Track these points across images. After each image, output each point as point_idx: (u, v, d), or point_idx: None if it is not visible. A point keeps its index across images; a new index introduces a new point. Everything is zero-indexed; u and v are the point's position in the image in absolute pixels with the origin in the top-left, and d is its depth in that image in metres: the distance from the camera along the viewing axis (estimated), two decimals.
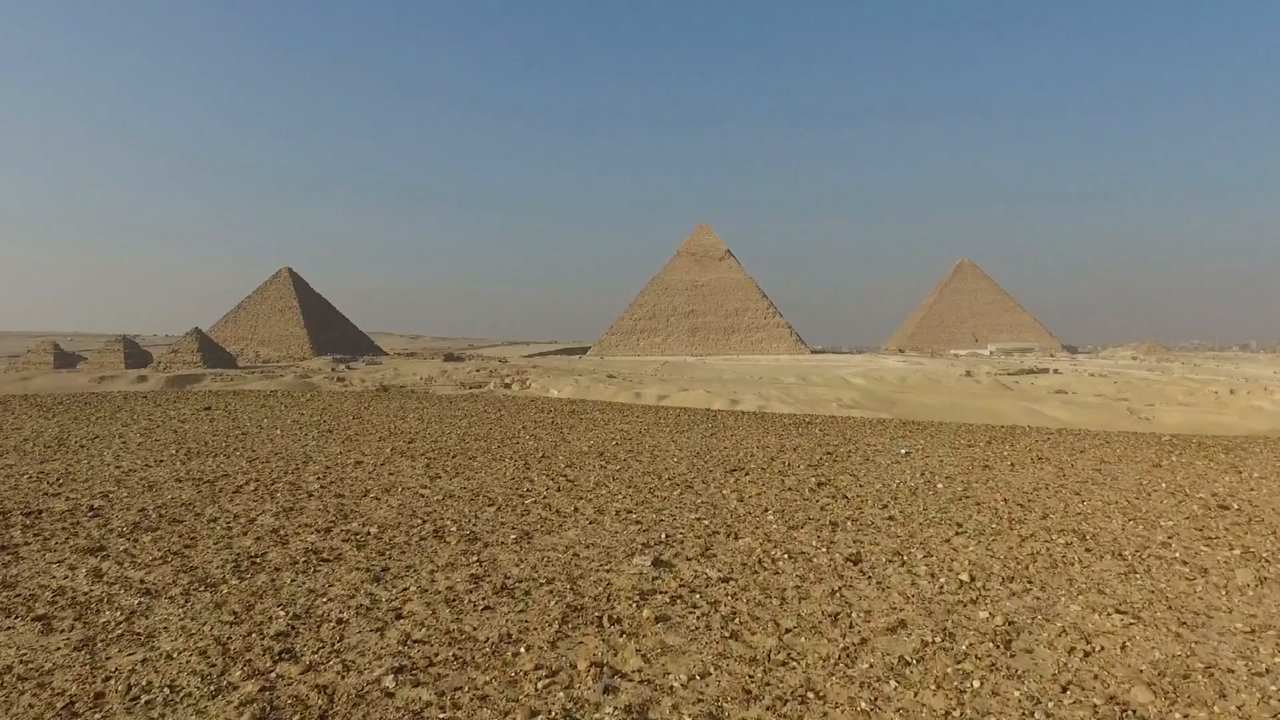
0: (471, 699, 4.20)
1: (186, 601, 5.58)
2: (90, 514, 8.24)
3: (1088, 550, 7.23)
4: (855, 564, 6.66)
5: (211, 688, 4.29)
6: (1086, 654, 4.89)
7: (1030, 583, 6.24)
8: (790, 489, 10.08)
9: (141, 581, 6.01)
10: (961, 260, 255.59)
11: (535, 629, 5.13)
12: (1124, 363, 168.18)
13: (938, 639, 5.05)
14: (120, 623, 5.20)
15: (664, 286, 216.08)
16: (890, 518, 8.41)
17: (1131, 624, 5.38)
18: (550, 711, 4.05)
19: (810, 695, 4.30)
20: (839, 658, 4.76)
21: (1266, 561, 6.97)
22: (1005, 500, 9.49)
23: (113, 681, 4.36)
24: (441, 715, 4.03)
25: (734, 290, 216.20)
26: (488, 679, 4.41)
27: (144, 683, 4.34)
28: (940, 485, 10.45)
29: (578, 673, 4.50)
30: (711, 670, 4.58)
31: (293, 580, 6.08)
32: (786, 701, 4.23)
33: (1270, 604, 5.87)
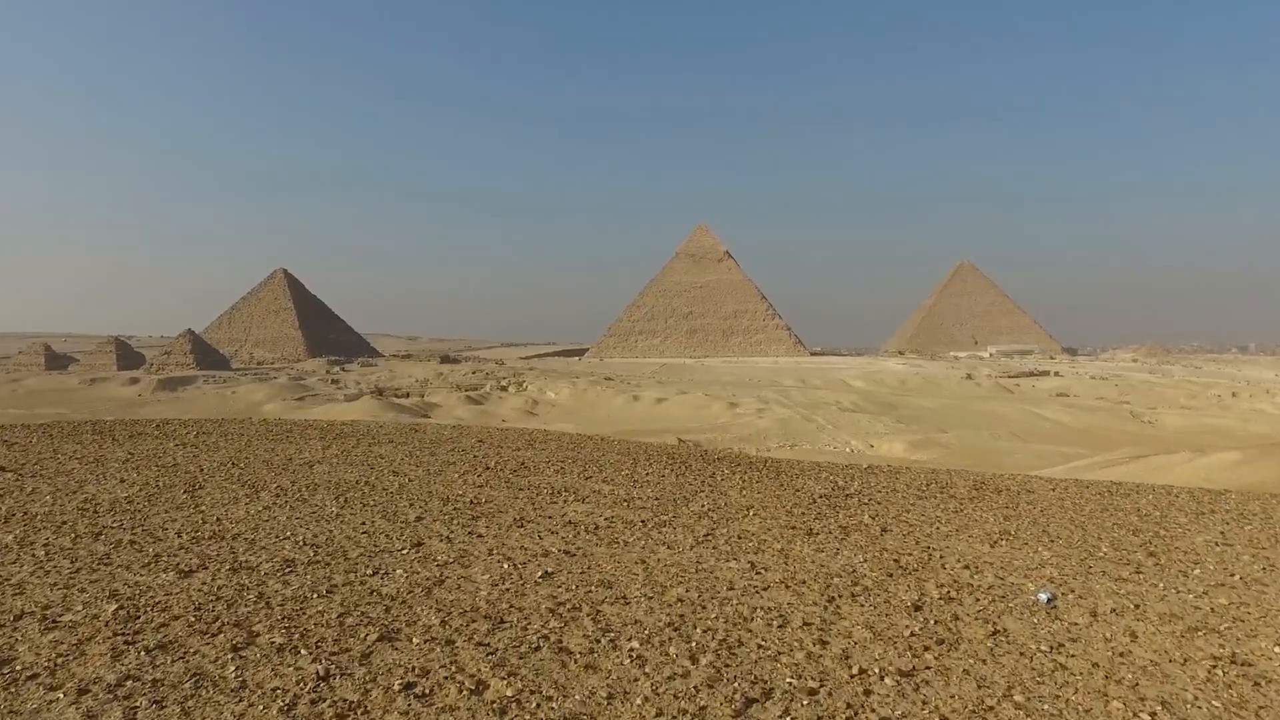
0: None
1: None
2: None
3: None
4: None
5: None
6: None
7: None
8: None
9: None
10: (961, 262, 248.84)
11: None
12: (1124, 365, 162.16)
13: None
14: None
15: (662, 288, 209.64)
16: None
17: None
18: None
19: None
20: None
21: None
22: None
23: None
24: None
25: (733, 292, 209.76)
26: None
27: None
28: None
29: None
30: None
31: None
32: None
33: None
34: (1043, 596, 7.48)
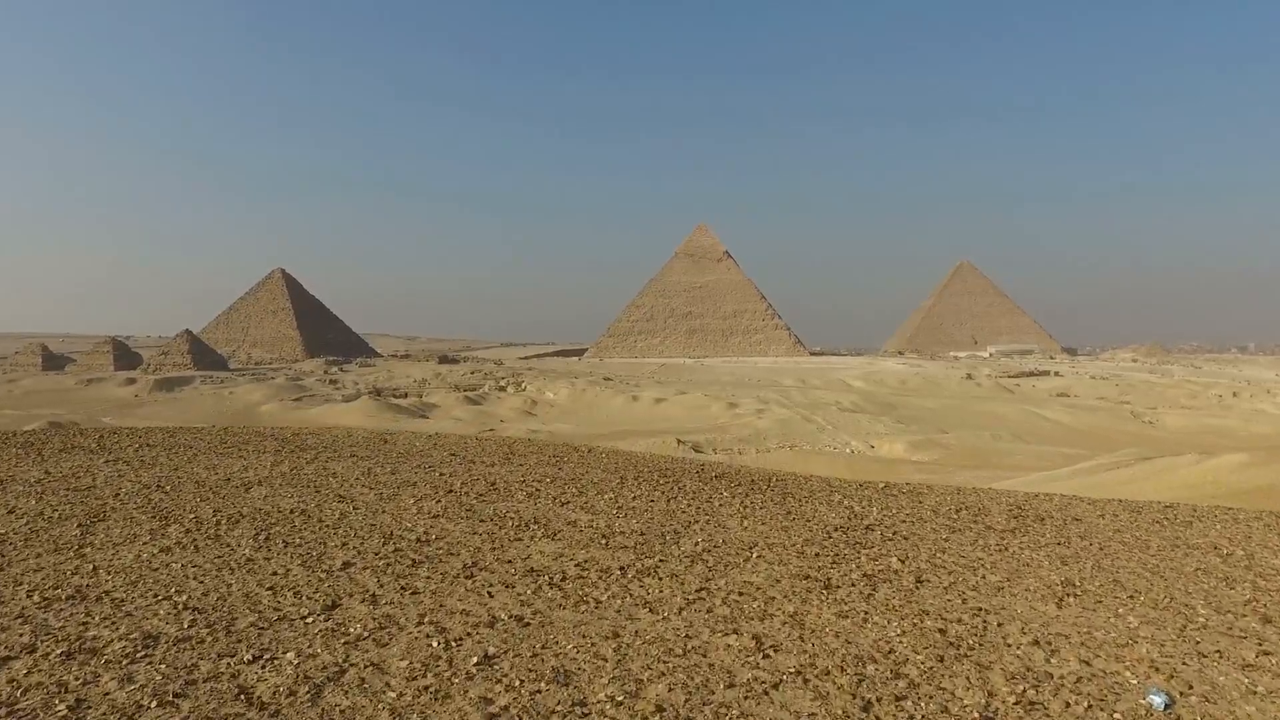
0: None
1: None
2: None
3: None
4: None
5: None
6: None
7: None
8: None
9: None
10: (961, 262, 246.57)
11: None
12: (1124, 365, 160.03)
13: None
14: None
15: (662, 288, 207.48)
16: None
17: None
18: None
19: None
20: None
21: None
22: None
23: None
24: None
25: (732, 291, 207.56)
26: None
27: None
28: None
29: None
30: None
31: None
32: None
33: None
34: (1156, 700, 5.41)
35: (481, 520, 10.75)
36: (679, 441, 61.01)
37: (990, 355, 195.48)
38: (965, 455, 55.35)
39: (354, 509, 11.28)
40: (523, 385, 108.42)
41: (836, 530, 10.72)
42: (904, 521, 11.42)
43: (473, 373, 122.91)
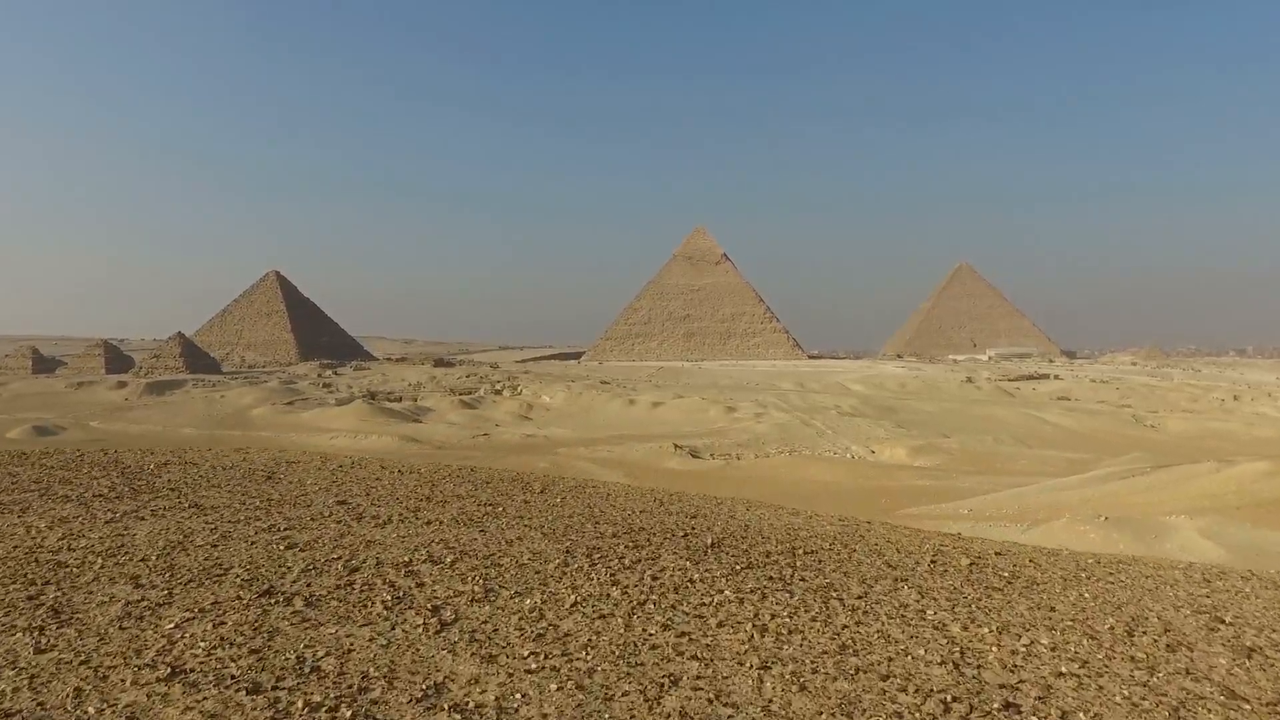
0: None
1: None
2: None
3: None
4: None
5: None
6: None
7: None
8: None
9: None
10: (960, 264, 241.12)
11: None
12: (1124, 368, 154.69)
13: None
14: None
15: (660, 291, 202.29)
16: None
17: None
18: None
19: None
20: None
21: None
22: None
23: None
24: None
25: (730, 294, 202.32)
26: None
27: None
28: None
29: None
30: None
31: None
32: None
33: None
34: None
35: (257, 688, 5.25)
36: (676, 446, 55.71)
37: (989, 358, 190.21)
38: (967, 460, 50.71)
39: (30, 653, 5.79)
40: (519, 389, 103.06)
41: None
42: (1066, 677, 5.89)
43: (468, 376, 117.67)
